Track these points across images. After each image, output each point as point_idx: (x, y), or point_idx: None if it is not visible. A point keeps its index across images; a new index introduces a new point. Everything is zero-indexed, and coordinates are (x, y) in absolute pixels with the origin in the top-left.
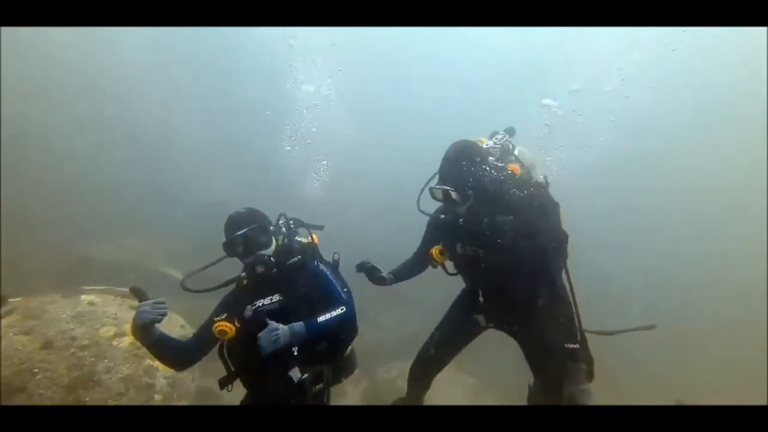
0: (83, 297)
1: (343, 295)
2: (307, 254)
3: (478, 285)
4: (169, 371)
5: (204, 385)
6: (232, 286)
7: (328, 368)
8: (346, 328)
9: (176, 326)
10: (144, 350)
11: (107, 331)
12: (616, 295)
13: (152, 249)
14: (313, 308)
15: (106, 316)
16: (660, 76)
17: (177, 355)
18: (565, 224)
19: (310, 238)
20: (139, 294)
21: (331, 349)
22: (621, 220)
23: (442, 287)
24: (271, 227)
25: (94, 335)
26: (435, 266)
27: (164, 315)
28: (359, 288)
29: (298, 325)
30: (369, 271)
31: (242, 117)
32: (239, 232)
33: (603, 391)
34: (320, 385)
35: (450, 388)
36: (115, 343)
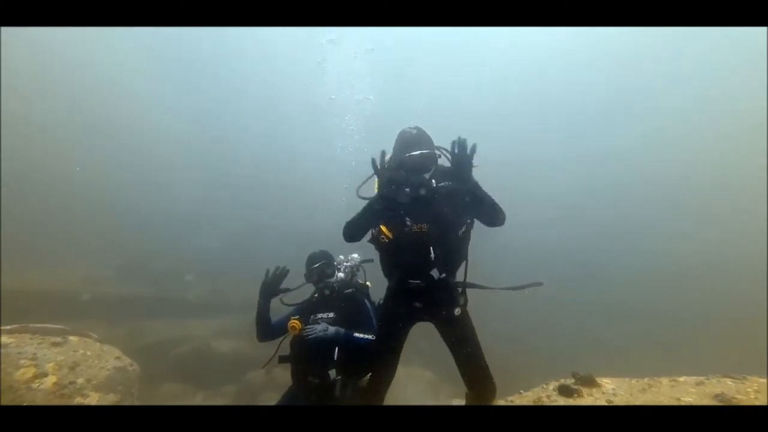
0: None
1: (376, 329)
2: (359, 290)
3: (417, 267)
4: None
5: None
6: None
7: (355, 384)
8: (370, 351)
9: (111, 358)
10: (71, 389)
11: (24, 373)
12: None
13: (70, 273)
14: (353, 328)
15: (22, 357)
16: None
17: (266, 327)
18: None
19: (365, 281)
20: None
21: (359, 368)
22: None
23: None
24: (335, 263)
25: (8, 379)
26: (382, 242)
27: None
28: None
29: (341, 330)
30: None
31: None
32: (314, 266)
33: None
34: (346, 390)
35: (409, 386)
36: (35, 385)
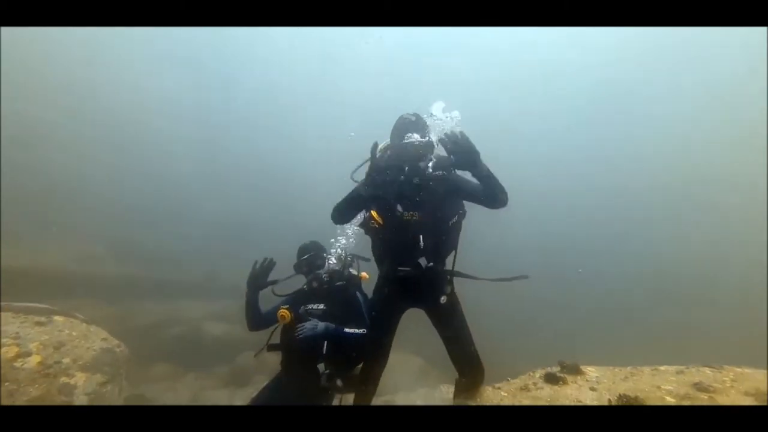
0: None
1: (367, 322)
2: (351, 283)
3: (407, 253)
4: (90, 387)
5: (134, 393)
6: (299, 288)
7: (343, 376)
8: (360, 345)
9: (98, 339)
10: (56, 369)
11: (7, 351)
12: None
13: (59, 252)
14: (344, 322)
15: (5, 336)
16: None
17: (255, 317)
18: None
19: (359, 273)
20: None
21: (348, 361)
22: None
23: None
24: (325, 254)
25: None
26: (372, 227)
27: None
28: None
29: (331, 326)
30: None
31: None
32: (304, 257)
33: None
34: (335, 382)
35: (399, 372)
36: (18, 364)
